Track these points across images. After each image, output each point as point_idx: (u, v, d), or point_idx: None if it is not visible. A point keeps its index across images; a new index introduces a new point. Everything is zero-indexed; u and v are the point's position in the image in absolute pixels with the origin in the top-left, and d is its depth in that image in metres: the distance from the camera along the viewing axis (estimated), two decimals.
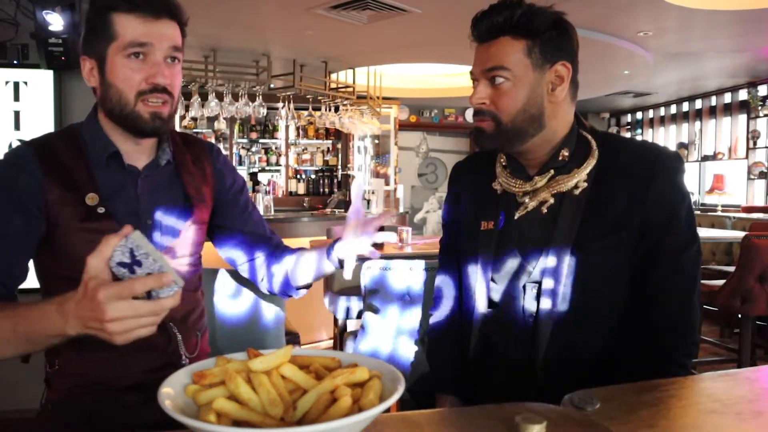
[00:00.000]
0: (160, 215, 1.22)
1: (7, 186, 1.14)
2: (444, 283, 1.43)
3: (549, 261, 1.16)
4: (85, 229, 1.14)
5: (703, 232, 4.29)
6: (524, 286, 1.20)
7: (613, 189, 1.17)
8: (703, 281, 3.50)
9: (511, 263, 1.22)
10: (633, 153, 1.20)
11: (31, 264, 1.18)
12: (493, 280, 1.23)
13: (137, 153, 1.22)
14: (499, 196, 1.26)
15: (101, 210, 1.15)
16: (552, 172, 1.21)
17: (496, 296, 1.23)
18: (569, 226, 1.16)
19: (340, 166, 7.90)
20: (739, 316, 3.35)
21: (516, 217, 1.22)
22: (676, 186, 1.17)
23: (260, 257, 1.38)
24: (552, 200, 1.20)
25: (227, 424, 0.71)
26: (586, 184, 1.18)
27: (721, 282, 3.30)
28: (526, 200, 1.22)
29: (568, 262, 1.15)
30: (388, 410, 0.74)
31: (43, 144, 1.19)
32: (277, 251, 1.38)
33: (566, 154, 1.20)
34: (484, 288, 1.24)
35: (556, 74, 1.17)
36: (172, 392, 0.76)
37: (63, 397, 1.17)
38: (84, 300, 0.82)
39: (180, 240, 1.24)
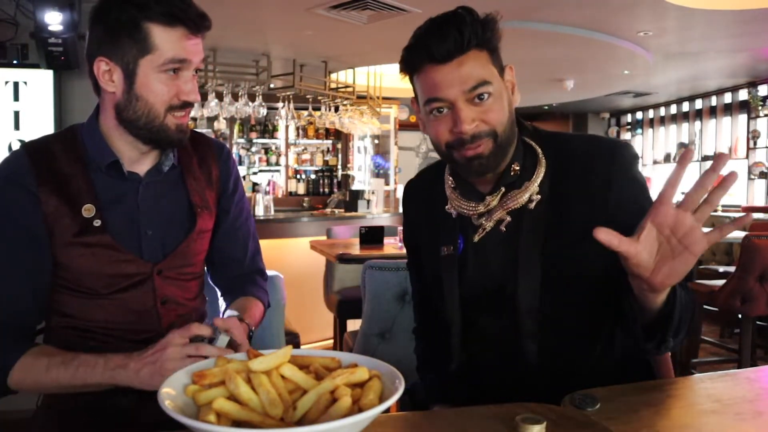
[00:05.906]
0: (161, 226, 1.18)
1: (9, 213, 1.10)
2: (419, 300, 1.36)
3: (520, 279, 1.10)
4: (78, 243, 1.11)
5: None
6: (500, 307, 1.13)
7: (571, 196, 1.11)
8: (703, 281, 3.52)
9: (479, 285, 1.16)
10: (583, 155, 1.13)
11: None
12: (465, 301, 1.17)
13: (141, 158, 1.17)
14: (455, 220, 1.19)
15: (97, 223, 1.11)
16: (503, 189, 1.13)
17: (474, 318, 1.17)
18: (533, 241, 1.10)
19: (340, 166, 7.90)
20: (739, 316, 3.35)
21: (476, 240, 1.16)
22: (634, 180, 1.12)
23: (218, 279, 1.37)
24: (509, 218, 1.13)
25: (227, 424, 0.71)
26: (539, 197, 1.12)
27: (721, 282, 3.29)
28: (483, 221, 1.15)
29: (541, 277, 1.09)
30: (388, 410, 0.74)
31: (39, 149, 1.14)
32: (235, 285, 1.33)
33: (517, 168, 1.13)
34: (456, 311, 1.17)
35: (507, 78, 1.12)
36: (172, 392, 0.76)
37: (60, 397, 1.16)
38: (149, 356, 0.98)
39: (180, 251, 1.19)
